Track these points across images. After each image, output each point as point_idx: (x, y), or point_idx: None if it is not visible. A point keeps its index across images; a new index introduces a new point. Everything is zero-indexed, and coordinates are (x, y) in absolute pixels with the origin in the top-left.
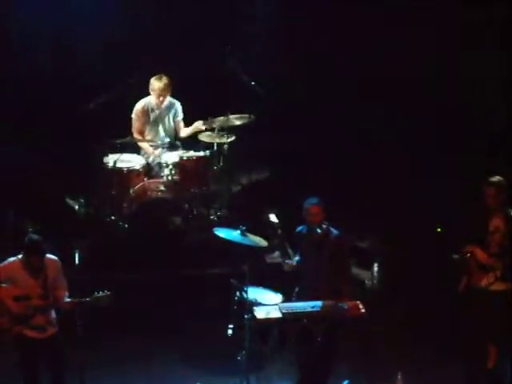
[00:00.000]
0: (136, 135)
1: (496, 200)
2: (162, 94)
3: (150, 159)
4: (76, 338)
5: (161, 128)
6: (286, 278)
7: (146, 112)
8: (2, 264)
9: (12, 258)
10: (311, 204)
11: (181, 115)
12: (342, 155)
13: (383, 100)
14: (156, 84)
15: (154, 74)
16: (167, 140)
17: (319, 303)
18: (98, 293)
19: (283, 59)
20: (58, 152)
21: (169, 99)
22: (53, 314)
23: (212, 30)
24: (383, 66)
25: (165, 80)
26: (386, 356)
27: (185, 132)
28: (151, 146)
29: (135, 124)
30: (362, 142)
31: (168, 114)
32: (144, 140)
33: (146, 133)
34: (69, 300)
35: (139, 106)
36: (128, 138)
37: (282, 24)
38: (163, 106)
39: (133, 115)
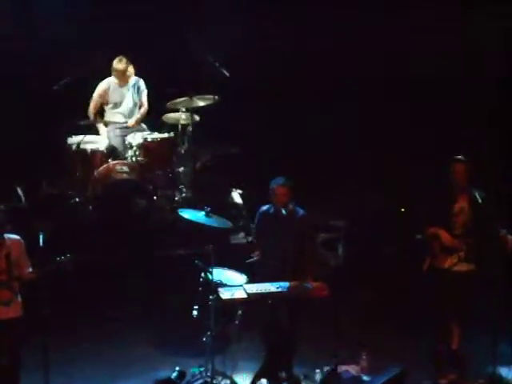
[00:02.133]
0: (92, 114)
1: (464, 177)
2: (122, 75)
3: (115, 138)
4: (41, 318)
5: (123, 109)
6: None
7: (109, 92)
8: None
9: None
10: (277, 184)
11: (145, 91)
12: (307, 134)
13: (350, 76)
14: (117, 66)
15: (116, 56)
16: (129, 120)
17: (284, 284)
18: (60, 258)
19: (248, 40)
20: (23, 133)
21: (133, 78)
22: (18, 295)
23: (177, 12)
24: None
25: (124, 62)
26: (351, 336)
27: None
28: (116, 127)
29: (94, 103)
30: (327, 120)
31: (132, 93)
32: (102, 121)
33: (108, 113)
34: (31, 270)
35: (101, 86)
36: (91, 119)
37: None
38: (125, 86)
39: (94, 94)
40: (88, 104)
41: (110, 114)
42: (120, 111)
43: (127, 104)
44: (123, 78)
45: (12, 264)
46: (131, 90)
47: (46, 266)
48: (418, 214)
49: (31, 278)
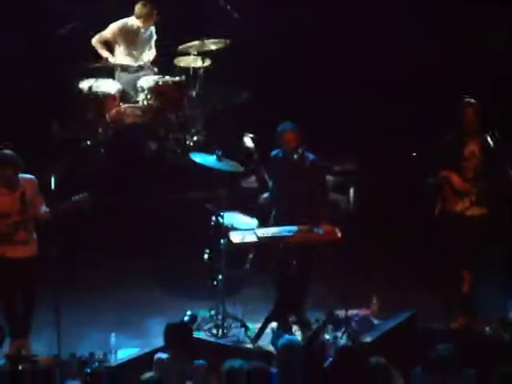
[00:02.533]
0: (95, 40)
1: (473, 121)
2: (150, 19)
3: (127, 80)
4: (50, 259)
5: (141, 52)
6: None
7: (125, 32)
8: None
9: None
10: (285, 130)
11: (155, 37)
12: (318, 81)
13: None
14: (145, 10)
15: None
16: (146, 63)
17: (295, 228)
18: (75, 197)
19: None
20: (33, 77)
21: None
22: (34, 234)
23: None
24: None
25: (149, 7)
26: (362, 280)
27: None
28: (128, 70)
29: (104, 34)
30: (339, 68)
31: (146, 38)
32: (99, 50)
33: (119, 55)
34: (47, 209)
35: (118, 24)
36: (103, 62)
37: None
38: (141, 31)
39: (108, 28)
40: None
41: (122, 57)
42: (134, 55)
43: (142, 48)
44: (149, 22)
45: (27, 204)
46: (147, 34)
47: (62, 205)
48: (430, 158)
49: (47, 218)
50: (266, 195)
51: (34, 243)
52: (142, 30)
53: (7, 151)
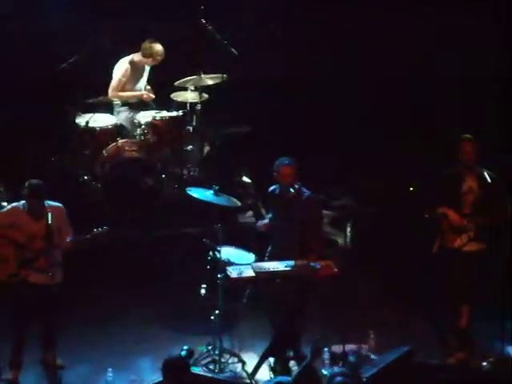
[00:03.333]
0: (114, 93)
1: (471, 156)
2: (160, 57)
3: (127, 116)
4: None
5: (141, 88)
6: (259, 238)
7: (133, 70)
8: (4, 210)
9: (14, 204)
10: (283, 164)
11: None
12: (316, 115)
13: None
14: (157, 47)
15: (140, 37)
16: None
17: (292, 263)
18: (97, 229)
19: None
20: (32, 112)
21: None
22: (58, 258)
23: None
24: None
25: (159, 44)
26: (359, 315)
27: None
28: (129, 106)
29: (117, 82)
30: (337, 102)
31: (147, 74)
32: (125, 96)
33: (127, 90)
34: (69, 239)
35: (126, 64)
36: (101, 98)
37: None
38: (144, 67)
39: (118, 71)
40: (97, 83)
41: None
42: (136, 90)
43: (142, 84)
44: (157, 60)
45: (51, 232)
46: (147, 70)
47: (84, 241)
48: (427, 194)
49: (68, 248)
50: (264, 221)
51: (55, 272)
52: (143, 67)
53: (34, 181)
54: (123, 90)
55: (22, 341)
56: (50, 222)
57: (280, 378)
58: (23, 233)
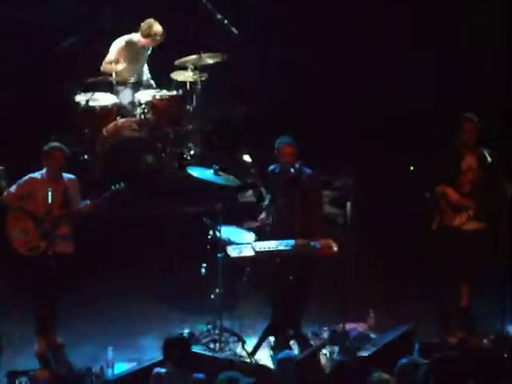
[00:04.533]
0: (106, 66)
1: (471, 135)
2: (159, 38)
3: (127, 95)
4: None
5: (142, 67)
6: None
7: (129, 49)
8: (22, 179)
9: (32, 174)
10: (283, 143)
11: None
12: (316, 94)
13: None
14: (156, 27)
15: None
16: (145, 79)
17: (292, 242)
18: (114, 187)
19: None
20: (31, 92)
21: None
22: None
23: None
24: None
25: (159, 25)
26: (359, 294)
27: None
28: (128, 82)
29: (110, 56)
30: (336, 81)
31: (147, 53)
32: (108, 69)
33: (126, 70)
34: (88, 202)
35: (121, 42)
36: (100, 78)
37: None
38: (144, 47)
39: (112, 48)
40: (98, 62)
41: (123, 72)
42: (135, 70)
43: (143, 63)
44: (156, 41)
45: (69, 200)
46: (147, 51)
47: (103, 196)
48: (427, 172)
49: (88, 210)
50: (263, 216)
51: (71, 242)
52: (146, 47)
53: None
54: (124, 70)
55: (48, 310)
56: (49, 201)
57: (288, 352)
58: (41, 202)
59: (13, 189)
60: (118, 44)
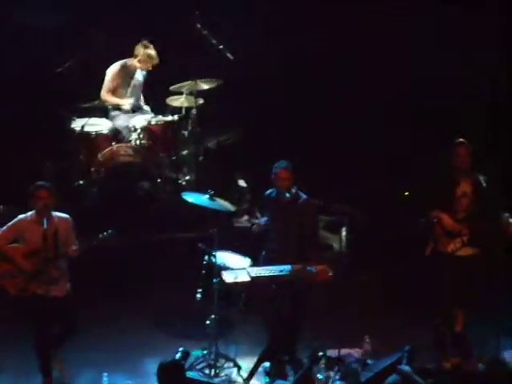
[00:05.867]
0: (106, 95)
1: (466, 160)
2: (154, 61)
3: (121, 120)
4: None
5: (137, 93)
6: (255, 243)
7: (123, 74)
8: (12, 222)
9: (22, 215)
10: (280, 168)
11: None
12: (311, 119)
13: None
14: (149, 51)
15: (134, 41)
16: (139, 104)
17: (287, 267)
18: (102, 234)
19: (252, 24)
20: (27, 117)
21: None
22: (65, 269)
23: None
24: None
25: (152, 48)
26: (354, 319)
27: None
28: (123, 109)
29: (108, 84)
30: (332, 106)
31: (142, 78)
32: (114, 103)
33: (120, 95)
34: (76, 247)
35: (117, 67)
36: (96, 102)
37: None
38: (137, 71)
39: (107, 75)
40: (93, 86)
41: (124, 96)
42: (130, 95)
43: (138, 88)
44: (148, 64)
45: (59, 241)
46: (142, 74)
47: (89, 243)
48: (422, 198)
49: (74, 255)
50: (261, 221)
51: (65, 283)
52: (139, 71)
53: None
54: (115, 93)
55: (45, 351)
56: (45, 226)
57: (280, 382)
58: (30, 245)
59: (1, 231)
60: (114, 69)
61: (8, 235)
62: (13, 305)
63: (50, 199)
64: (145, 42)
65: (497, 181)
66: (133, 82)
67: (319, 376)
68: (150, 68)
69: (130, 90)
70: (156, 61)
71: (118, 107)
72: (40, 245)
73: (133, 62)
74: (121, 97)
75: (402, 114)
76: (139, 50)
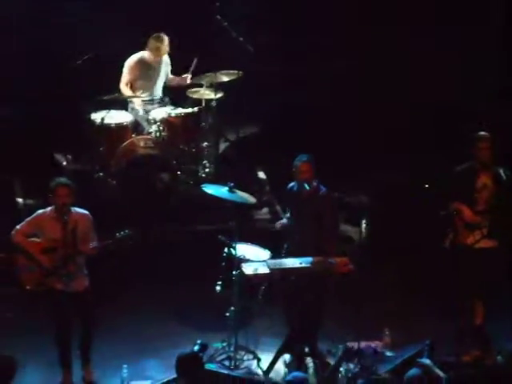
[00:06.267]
0: (123, 88)
1: (487, 154)
2: (161, 53)
3: (141, 113)
4: None
5: (154, 84)
6: (274, 235)
7: (140, 66)
8: (32, 216)
9: (41, 210)
10: (301, 161)
11: (169, 67)
12: (332, 112)
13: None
14: (156, 44)
15: (151, 34)
16: (158, 96)
17: (308, 259)
18: (119, 233)
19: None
20: (46, 109)
21: (165, 56)
22: (83, 265)
23: None
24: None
25: (165, 40)
26: (374, 312)
27: (173, 80)
28: (142, 101)
29: (126, 77)
30: (352, 100)
31: (164, 71)
32: (132, 96)
33: (138, 87)
34: (93, 245)
35: (133, 59)
36: (116, 95)
37: None
38: (157, 62)
39: (125, 68)
40: (113, 79)
41: (141, 88)
42: (147, 87)
43: (159, 80)
44: (158, 55)
45: (77, 238)
46: (163, 65)
47: (106, 242)
48: (442, 190)
49: (92, 253)
50: (283, 221)
51: (82, 278)
52: (156, 63)
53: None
54: (134, 85)
55: (65, 344)
56: (64, 222)
57: (297, 374)
58: (48, 240)
59: (21, 226)
60: (131, 61)
61: (27, 230)
62: (33, 299)
63: (69, 197)
64: (157, 35)
65: None
66: (152, 74)
67: (340, 369)
68: (159, 57)
69: (151, 83)
70: (163, 52)
71: (137, 99)
72: (59, 241)
73: (149, 54)
74: (140, 89)
75: (425, 110)
76: (151, 42)
